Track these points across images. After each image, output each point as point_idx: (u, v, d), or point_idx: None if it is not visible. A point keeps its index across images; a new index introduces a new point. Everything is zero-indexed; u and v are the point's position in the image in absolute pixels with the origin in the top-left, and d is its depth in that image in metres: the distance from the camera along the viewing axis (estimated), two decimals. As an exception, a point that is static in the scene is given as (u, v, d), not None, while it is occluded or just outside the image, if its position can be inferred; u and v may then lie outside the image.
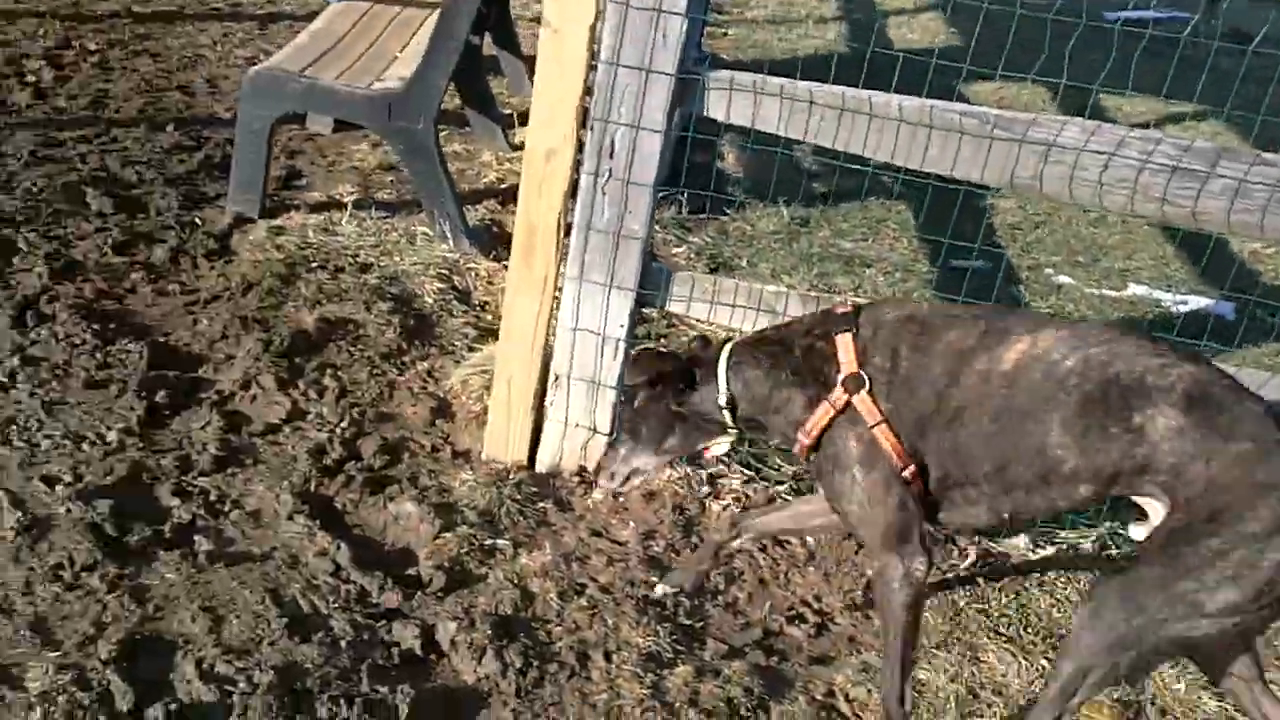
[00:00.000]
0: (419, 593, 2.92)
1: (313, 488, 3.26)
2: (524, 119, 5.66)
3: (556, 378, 3.30)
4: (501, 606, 2.89)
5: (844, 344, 2.43)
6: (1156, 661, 2.53)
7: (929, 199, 3.91)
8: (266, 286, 4.15)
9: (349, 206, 4.77)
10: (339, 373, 3.77)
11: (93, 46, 6.22)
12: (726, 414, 2.59)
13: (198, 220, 4.57)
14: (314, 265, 4.34)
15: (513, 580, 2.99)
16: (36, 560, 2.84)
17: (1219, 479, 2.12)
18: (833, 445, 2.46)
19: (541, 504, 3.27)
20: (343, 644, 2.71)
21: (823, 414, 2.44)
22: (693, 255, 4.69)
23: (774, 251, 4.83)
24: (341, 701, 2.55)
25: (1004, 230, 5.36)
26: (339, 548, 2.99)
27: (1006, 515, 2.43)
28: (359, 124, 4.82)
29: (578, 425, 3.32)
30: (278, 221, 4.63)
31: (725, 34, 8.18)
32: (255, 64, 5.99)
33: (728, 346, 2.62)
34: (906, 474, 2.40)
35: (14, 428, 3.32)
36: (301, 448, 3.41)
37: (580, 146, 3.12)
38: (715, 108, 2.91)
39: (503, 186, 5.15)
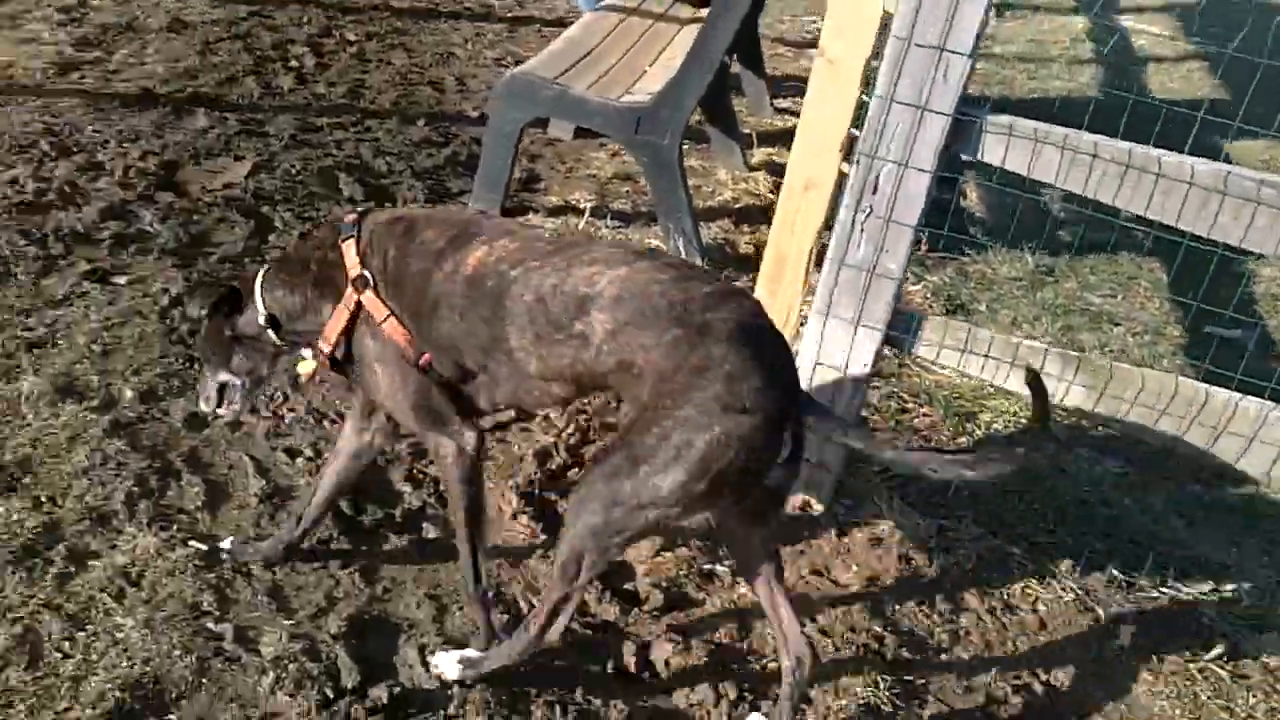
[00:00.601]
0: (636, 609, 2.91)
1: (537, 490, 3.29)
2: (763, 139, 5.74)
3: (790, 409, 3.26)
4: (718, 634, 2.87)
5: (348, 249, 2.53)
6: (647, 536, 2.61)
7: (1182, 258, 3.74)
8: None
9: (585, 213, 4.82)
10: (568, 378, 3.79)
11: (352, 37, 6.45)
12: (271, 333, 2.68)
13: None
14: (549, 269, 4.38)
15: (730, 609, 2.96)
16: (276, 528, 2.93)
17: (659, 369, 2.23)
18: (356, 345, 2.58)
19: (762, 534, 3.23)
20: (560, 650, 2.72)
21: (338, 317, 2.55)
22: (930, 295, 4.59)
23: (1015, 299, 4.69)
24: (556, 707, 2.57)
25: (1265, 300, 5.09)
26: (560, 553, 3.01)
27: (508, 404, 2.60)
28: (603, 134, 4.87)
29: (808, 460, 3.27)
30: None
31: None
32: (503, 65, 6.19)
33: (262, 270, 2.71)
34: (421, 362, 2.51)
35: (261, 399, 3.45)
36: (528, 449, 3.44)
37: (841, 180, 3.07)
38: (991, 152, 2.83)
39: (736, 206, 5.14)
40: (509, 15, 7.31)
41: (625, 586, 3.02)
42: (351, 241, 2.55)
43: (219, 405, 2.83)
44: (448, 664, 2.60)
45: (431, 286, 2.45)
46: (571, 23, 6.92)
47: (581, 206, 4.92)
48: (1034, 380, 2.31)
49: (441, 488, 3.06)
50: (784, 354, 2.35)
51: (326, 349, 2.60)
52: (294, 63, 5.95)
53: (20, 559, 2.74)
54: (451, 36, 6.78)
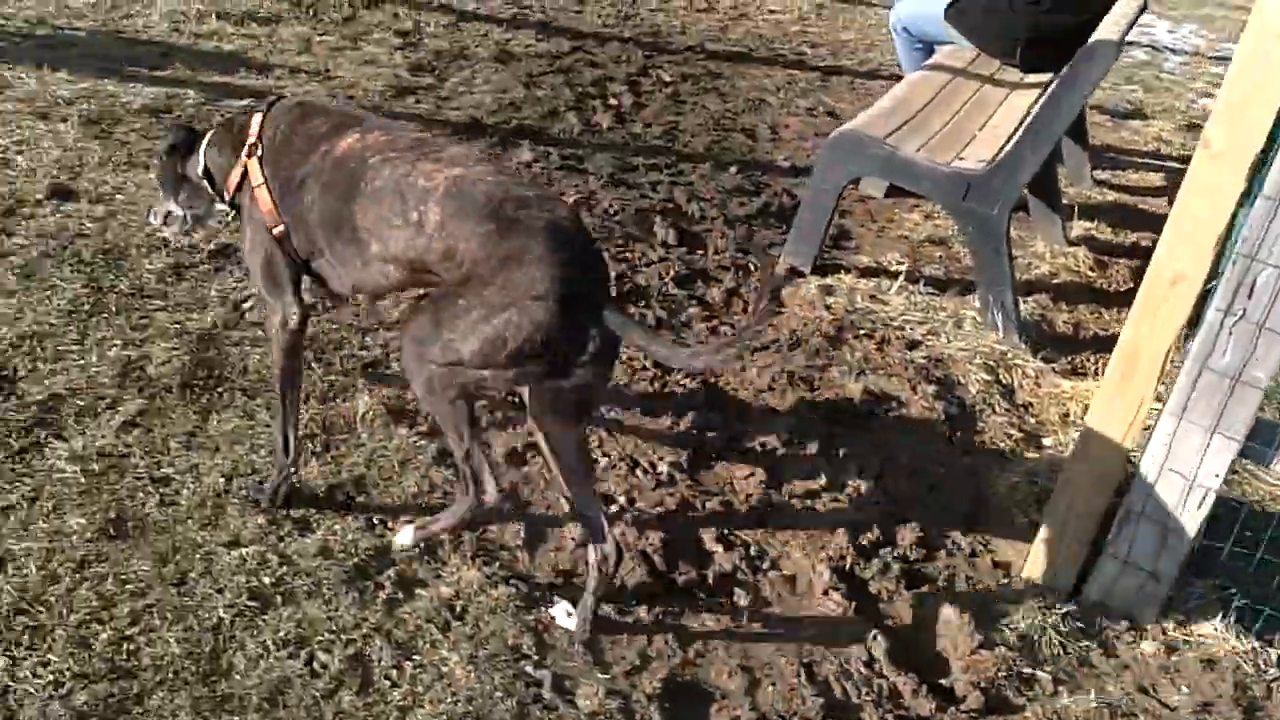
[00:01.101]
0: (953, 708, 2.79)
1: (848, 565, 3.21)
2: (1082, 212, 5.51)
3: (1127, 513, 3.08)
4: (1039, 747, 2.72)
5: (255, 121, 2.86)
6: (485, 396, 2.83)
7: None
8: (814, 346, 4.16)
9: (899, 276, 4.72)
10: (880, 449, 3.70)
11: (667, 78, 6.53)
12: (206, 182, 3.02)
13: (751, 265, 4.66)
14: (860, 332, 4.30)
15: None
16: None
17: (474, 257, 2.47)
18: (239, 202, 2.91)
19: (1085, 642, 3.06)
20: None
21: (234, 172, 2.89)
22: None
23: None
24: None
25: None
26: (874, 638, 2.92)
27: (352, 286, 2.80)
28: (928, 198, 4.76)
29: (1139, 569, 3.09)
30: (827, 280, 4.64)
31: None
32: (814, 115, 6.15)
33: (210, 131, 3.05)
34: (275, 232, 2.78)
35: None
36: (839, 521, 3.36)
37: (1211, 278, 2.89)
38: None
39: (1054, 281, 4.94)
40: (822, 65, 7.26)
41: (940, 681, 2.90)
42: (260, 115, 2.88)
43: (163, 224, 3.22)
44: (404, 535, 2.96)
45: (304, 165, 2.74)
46: (886, 76, 6.87)
47: (894, 269, 4.81)
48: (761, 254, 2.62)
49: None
50: (589, 257, 2.56)
51: (226, 196, 2.97)
52: (612, 100, 6.05)
53: (353, 579, 2.83)
54: (764, 82, 6.78)
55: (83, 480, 2.96)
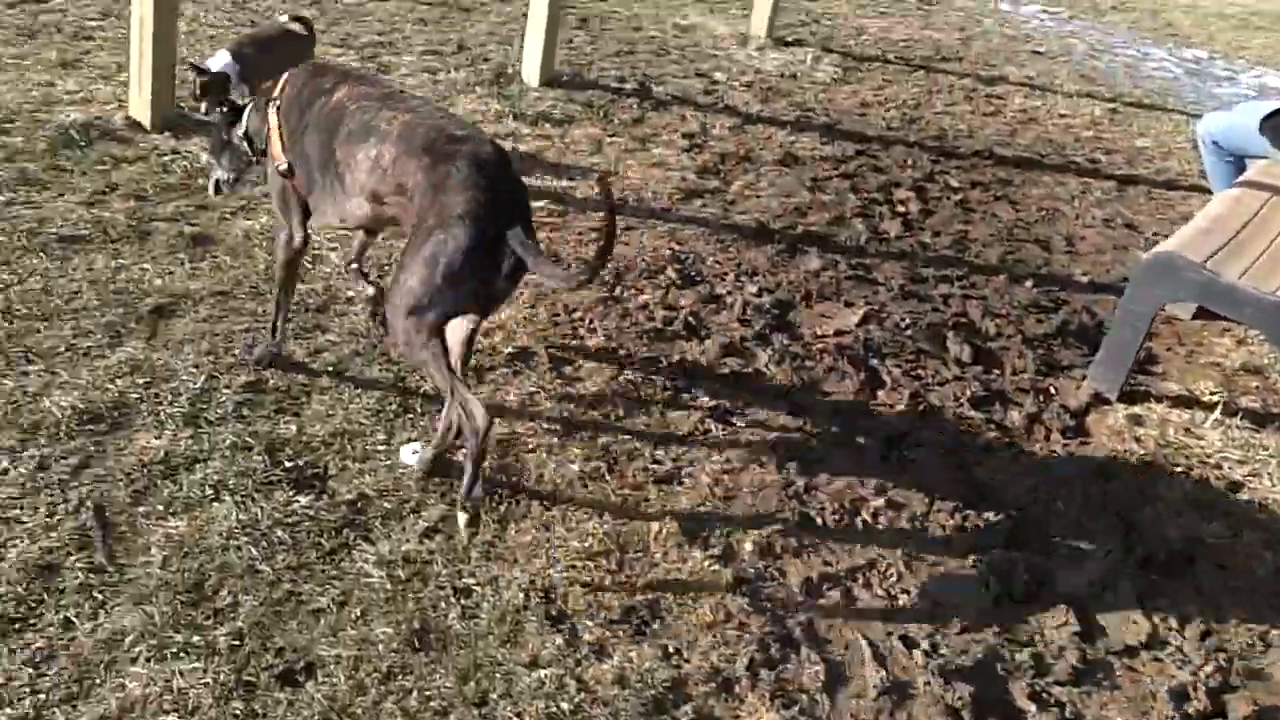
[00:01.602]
0: None
1: (1179, 735, 2.94)
2: None
3: None
4: None
5: (281, 80, 3.43)
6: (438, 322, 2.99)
7: None
8: (1126, 482, 3.90)
9: (1214, 409, 4.40)
10: (1206, 603, 3.41)
11: (955, 184, 6.37)
12: (246, 144, 3.60)
13: (1053, 389, 4.43)
14: (1176, 469, 4.01)
15: None
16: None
17: (420, 186, 2.94)
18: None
19: None
20: None
21: (263, 124, 3.47)
22: None
23: None
24: None
25: None
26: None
27: (340, 216, 3.33)
28: (1252, 328, 4.44)
29: None
30: (1136, 409, 4.37)
31: None
32: (1111, 226, 5.88)
33: (252, 98, 3.61)
34: (283, 168, 3.36)
35: (874, 572, 3.33)
36: (1161, 684, 3.10)
37: None
38: None
39: (1390, 422, 4.51)
40: (1117, 173, 6.97)
41: None
42: (286, 75, 3.44)
43: (214, 191, 3.83)
44: (405, 455, 3.45)
45: (308, 114, 3.28)
46: (1184, 187, 6.53)
47: (1207, 399, 4.49)
48: (602, 184, 2.96)
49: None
50: (505, 182, 2.96)
51: (262, 146, 3.52)
52: (900, 207, 5.93)
53: (650, 713, 2.75)
54: (1057, 191, 6.54)
55: (389, 586, 2.99)
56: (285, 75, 3.45)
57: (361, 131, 3.13)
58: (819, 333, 4.60)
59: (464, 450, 3.10)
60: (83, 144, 4.91)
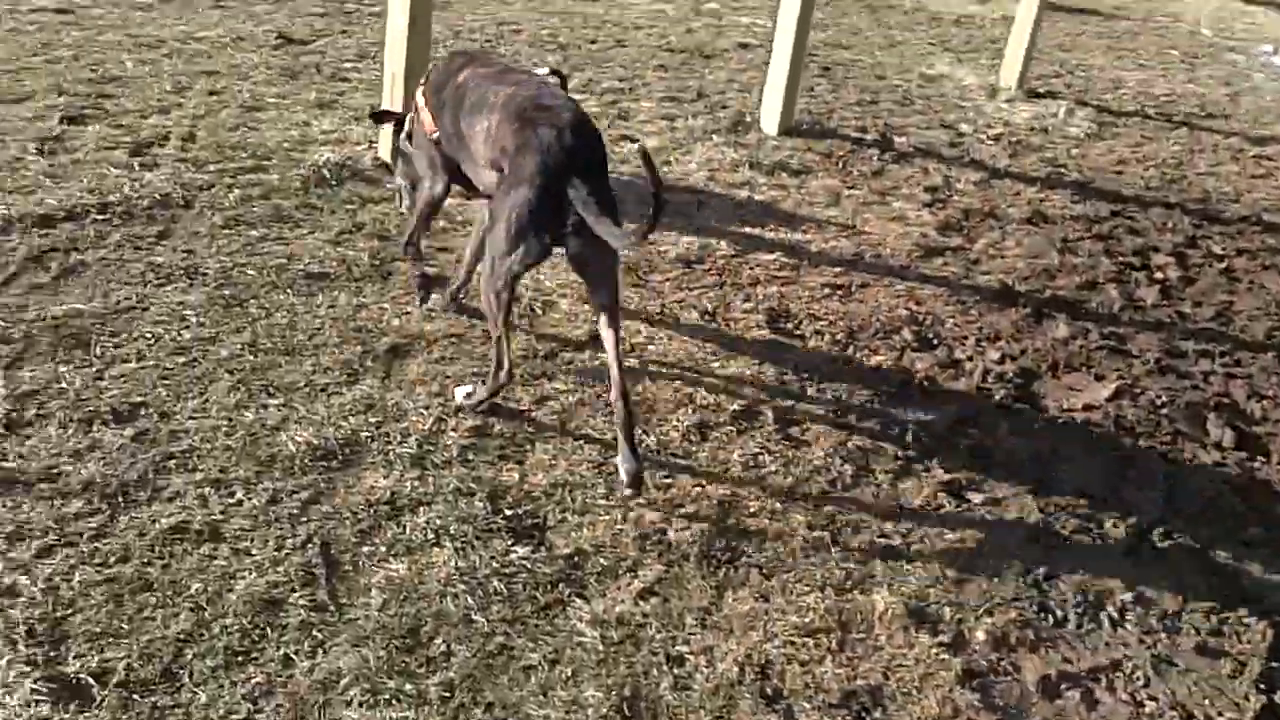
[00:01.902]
0: None
1: None
2: None
3: None
4: None
5: (430, 66, 4.01)
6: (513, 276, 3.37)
7: None
8: None
9: None
10: None
11: (1219, 250, 5.99)
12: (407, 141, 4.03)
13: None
14: None
15: None
16: None
17: (510, 153, 3.31)
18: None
19: None
20: None
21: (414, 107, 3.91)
22: None
23: None
24: None
25: None
26: None
27: (483, 185, 3.64)
28: None
29: None
30: None
31: None
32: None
33: None
34: (432, 137, 3.75)
35: (1119, 674, 3.08)
36: None
37: None
38: None
39: None
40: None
41: None
42: (431, 64, 3.97)
43: (400, 206, 4.39)
44: (459, 394, 3.75)
45: (444, 92, 3.67)
46: None
47: None
48: (644, 156, 3.04)
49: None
50: (579, 144, 3.24)
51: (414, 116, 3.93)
52: (1157, 273, 5.60)
53: (867, 809, 2.58)
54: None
55: (601, 648, 2.91)
56: (431, 63, 3.93)
57: (477, 106, 3.50)
58: (1065, 406, 4.35)
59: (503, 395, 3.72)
60: (334, 183, 5.07)
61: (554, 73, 4.85)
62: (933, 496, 3.73)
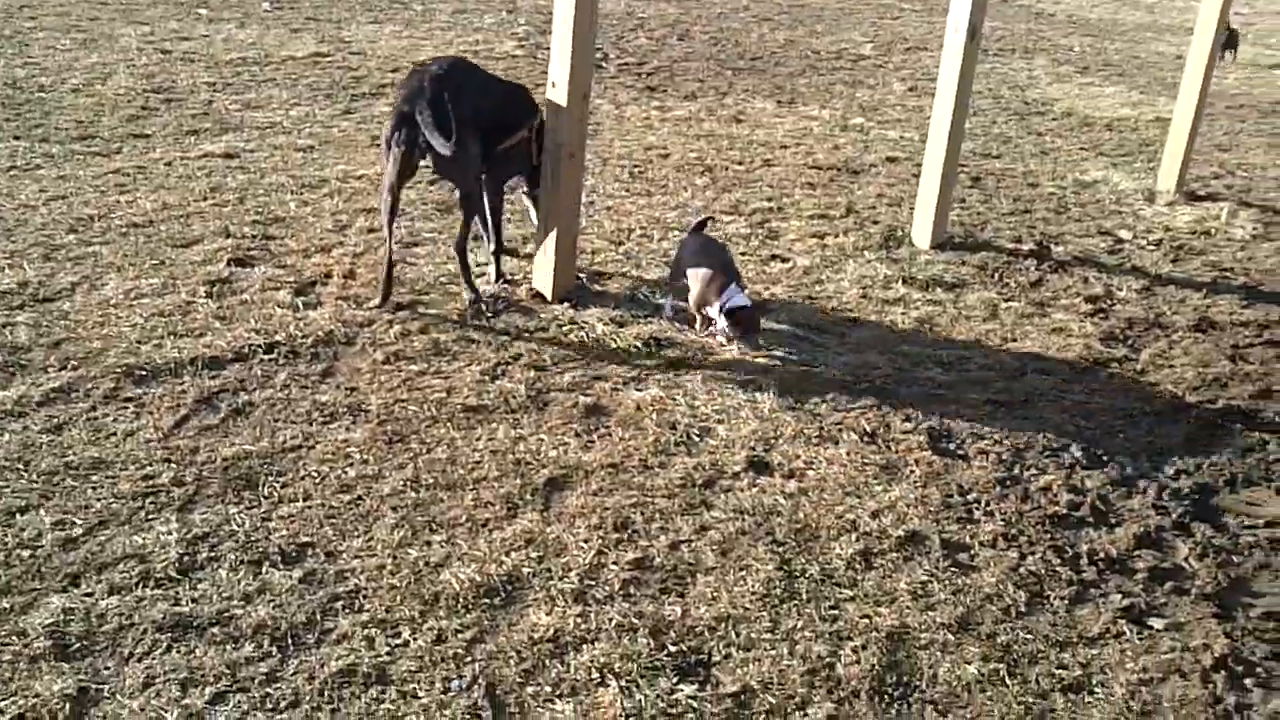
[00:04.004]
0: None
1: None
2: None
3: None
4: None
5: None
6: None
7: None
8: None
9: None
10: None
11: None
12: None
13: None
14: None
15: None
16: None
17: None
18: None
19: None
20: None
21: None
22: None
23: None
24: None
25: None
26: None
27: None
28: None
29: None
30: None
31: None
32: None
33: None
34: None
35: None
36: None
37: None
38: None
39: None
40: None
41: None
42: None
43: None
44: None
45: None
46: None
47: None
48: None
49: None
50: (423, 83, 4.86)
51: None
52: (1338, 380, 5.32)
53: None
54: None
55: (773, 793, 2.81)
56: None
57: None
58: (1247, 523, 4.13)
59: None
60: (489, 315, 5.16)
61: (707, 220, 4.91)
62: (1112, 623, 3.56)
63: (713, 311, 4.96)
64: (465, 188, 5.18)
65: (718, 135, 8.44)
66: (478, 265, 5.59)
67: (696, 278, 5.03)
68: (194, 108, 7.92)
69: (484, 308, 5.18)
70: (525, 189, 5.72)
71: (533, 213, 5.67)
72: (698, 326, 5.09)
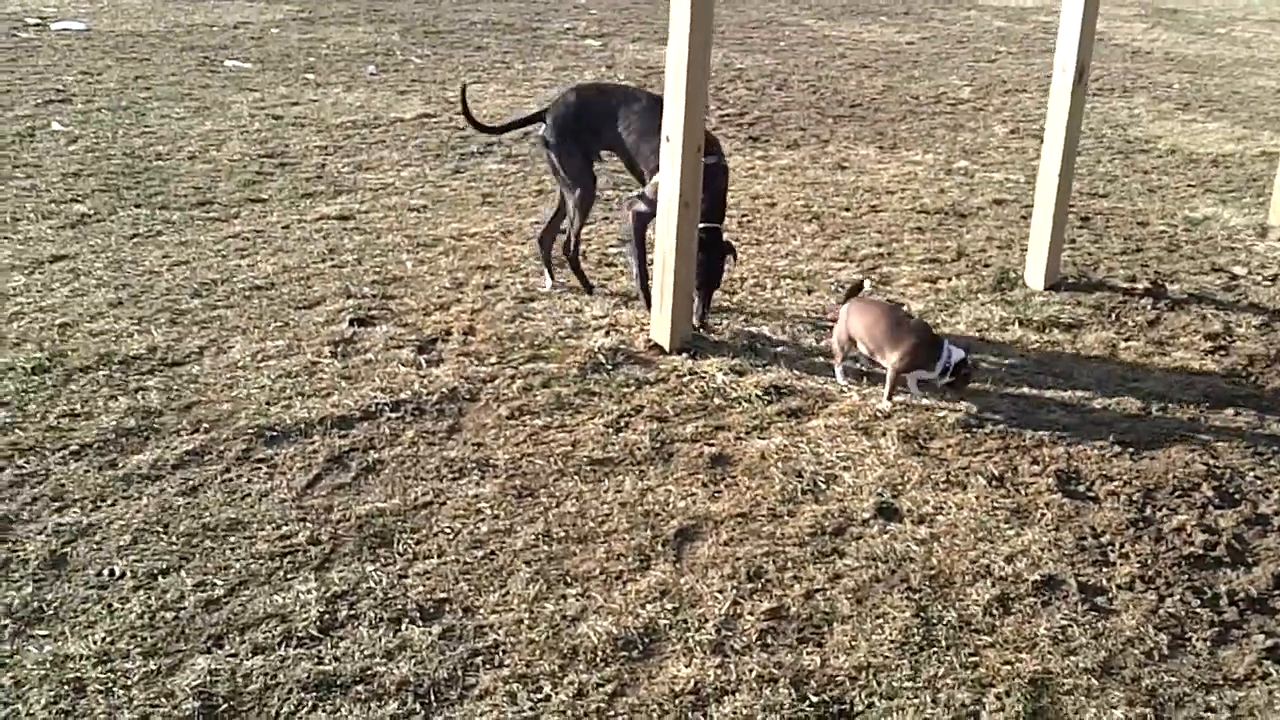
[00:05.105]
0: None
1: None
2: None
3: None
4: None
5: None
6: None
7: None
8: None
9: None
10: None
11: None
12: None
13: None
14: None
15: None
16: None
17: None
18: None
19: None
20: None
21: None
22: None
23: None
24: None
25: None
26: None
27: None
28: None
29: None
30: None
31: None
32: None
33: None
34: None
35: None
36: None
37: None
38: None
39: None
40: None
41: None
42: None
43: None
44: None
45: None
46: None
47: None
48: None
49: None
50: (573, 101, 5.85)
51: None
52: None
53: None
54: None
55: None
56: None
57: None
58: (1386, 563, 4.02)
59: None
60: (609, 367, 5.21)
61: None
62: (1256, 664, 3.49)
63: (925, 375, 4.95)
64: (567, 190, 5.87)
65: (823, 182, 8.46)
66: (594, 320, 5.67)
67: (901, 343, 4.92)
68: (307, 171, 8.13)
69: (602, 360, 5.23)
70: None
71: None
72: (888, 389, 4.99)
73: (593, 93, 5.96)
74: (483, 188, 7.96)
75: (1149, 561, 3.97)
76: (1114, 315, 6.15)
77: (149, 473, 4.21)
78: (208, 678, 3.22)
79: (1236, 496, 4.42)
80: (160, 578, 3.65)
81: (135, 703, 3.12)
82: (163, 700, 3.13)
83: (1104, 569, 3.92)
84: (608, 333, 5.58)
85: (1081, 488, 4.42)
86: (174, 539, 3.84)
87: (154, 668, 3.25)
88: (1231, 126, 10.96)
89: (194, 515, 3.98)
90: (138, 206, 7.18)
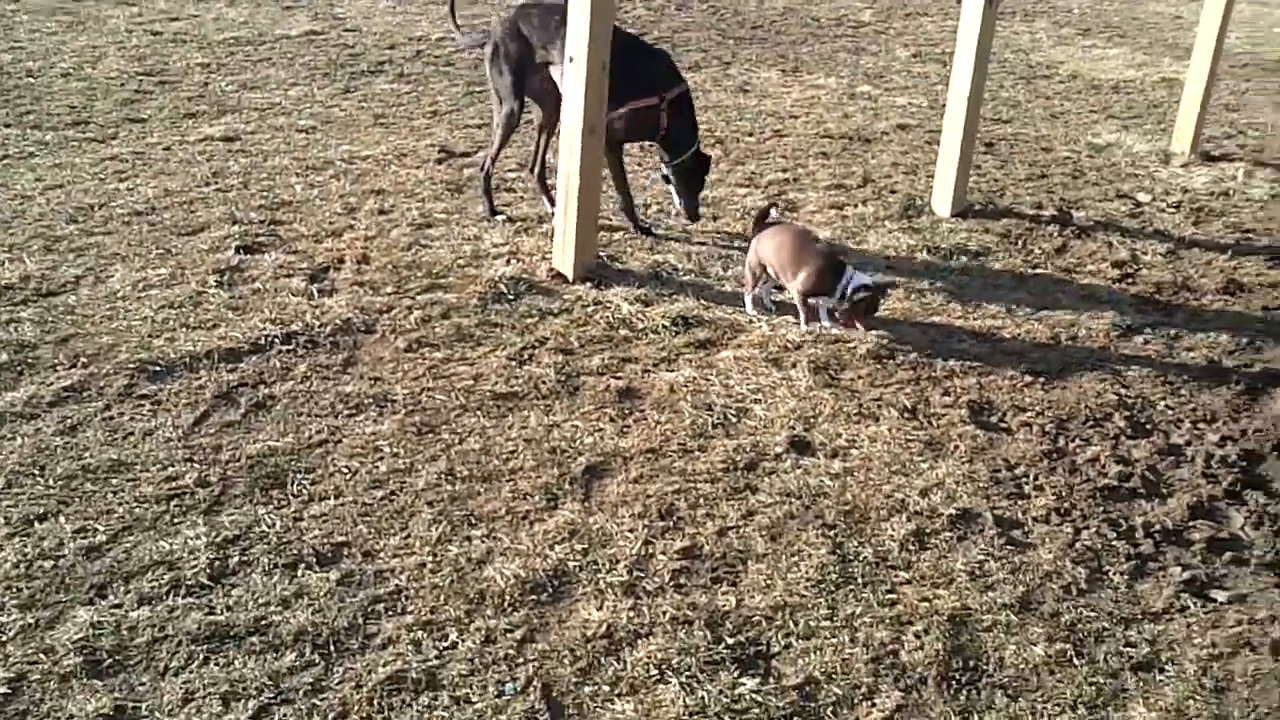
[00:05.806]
0: None
1: None
2: None
3: None
4: None
5: None
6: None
7: None
8: None
9: None
10: None
11: None
12: None
13: None
14: None
15: None
16: None
17: None
18: None
19: None
20: None
21: None
22: None
23: None
24: None
25: None
26: None
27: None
28: None
29: None
30: None
31: None
32: None
33: None
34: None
35: None
36: None
37: None
38: None
39: None
40: None
41: None
42: None
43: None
44: None
45: None
46: None
47: None
48: None
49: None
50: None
51: None
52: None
53: None
54: None
55: (848, 791, 2.70)
56: None
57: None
58: (1305, 488, 4.03)
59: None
60: (511, 298, 5.02)
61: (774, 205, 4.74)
62: (1175, 598, 3.47)
63: (828, 301, 4.78)
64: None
65: (725, 106, 8.29)
66: (494, 247, 5.47)
67: (804, 266, 4.81)
68: (189, 90, 7.75)
69: (504, 290, 5.03)
70: (663, 162, 5.76)
71: (673, 192, 5.81)
72: (802, 316, 4.87)
73: (535, 9, 5.63)
74: (374, 108, 7.65)
75: (1064, 494, 3.93)
76: (1021, 243, 6.11)
77: (23, 410, 3.95)
78: (90, 631, 3.01)
79: (1149, 427, 4.40)
80: (37, 523, 3.41)
81: (12, 659, 2.91)
82: (42, 655, 2.92)
83: (1019, 502, 3.87)
84: (509, 261, 5.38)
85: (994, 419, 4.37)
86: (51, 482, 3.60)
87: (31, 621, 3.04)
88: (1132, 53, 11.01)
89: (73, 456, 3.73)
90: (8, 126, 6.78)
